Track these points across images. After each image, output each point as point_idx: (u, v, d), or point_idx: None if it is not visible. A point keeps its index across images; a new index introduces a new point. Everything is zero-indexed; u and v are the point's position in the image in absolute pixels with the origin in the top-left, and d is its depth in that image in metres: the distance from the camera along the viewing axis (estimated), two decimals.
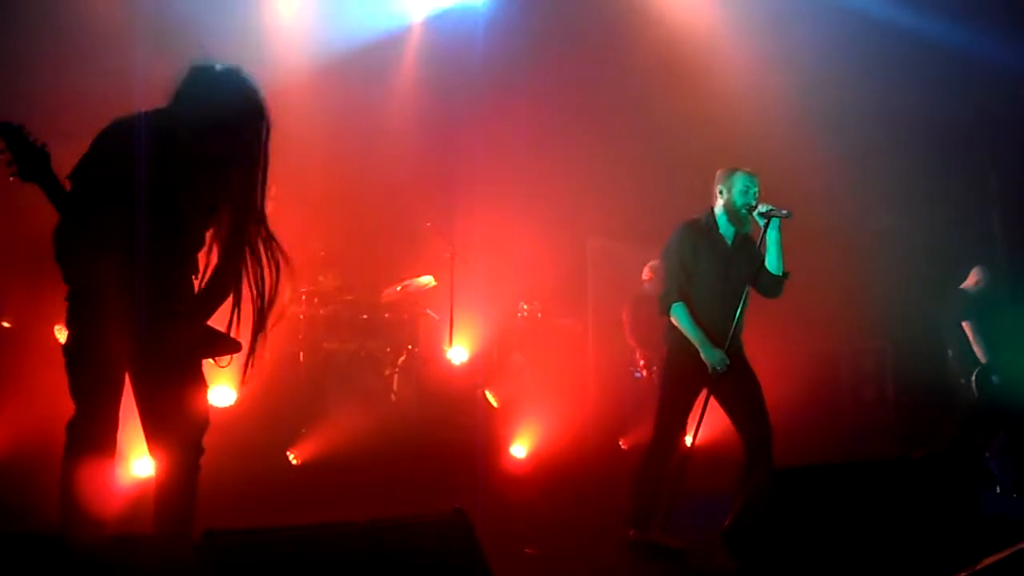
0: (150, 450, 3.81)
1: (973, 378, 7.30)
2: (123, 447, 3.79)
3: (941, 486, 4.09)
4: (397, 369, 8.31)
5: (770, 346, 7.97)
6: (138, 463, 5.58)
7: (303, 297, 8.36)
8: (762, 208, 5.31)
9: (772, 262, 5.39)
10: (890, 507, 3.83)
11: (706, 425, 5.47)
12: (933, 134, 8.97)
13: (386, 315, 8.65)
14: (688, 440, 5.55)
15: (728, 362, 5.26)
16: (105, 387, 3.69)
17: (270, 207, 7.91)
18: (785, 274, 5.42)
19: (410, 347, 8.49)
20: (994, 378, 7.25)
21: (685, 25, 9.81)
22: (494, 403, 8.51)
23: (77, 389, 3.67)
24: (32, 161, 3.40)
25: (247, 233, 3.91)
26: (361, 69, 9.75)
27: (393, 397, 8.18)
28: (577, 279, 10.36)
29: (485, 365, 9.15)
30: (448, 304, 8.90)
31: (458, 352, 9.19)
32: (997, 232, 8.43)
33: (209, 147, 3.77)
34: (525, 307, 9.56)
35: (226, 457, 4.08)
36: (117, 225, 3.58)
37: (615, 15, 9.84)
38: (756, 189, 5.41)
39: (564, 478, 6.99)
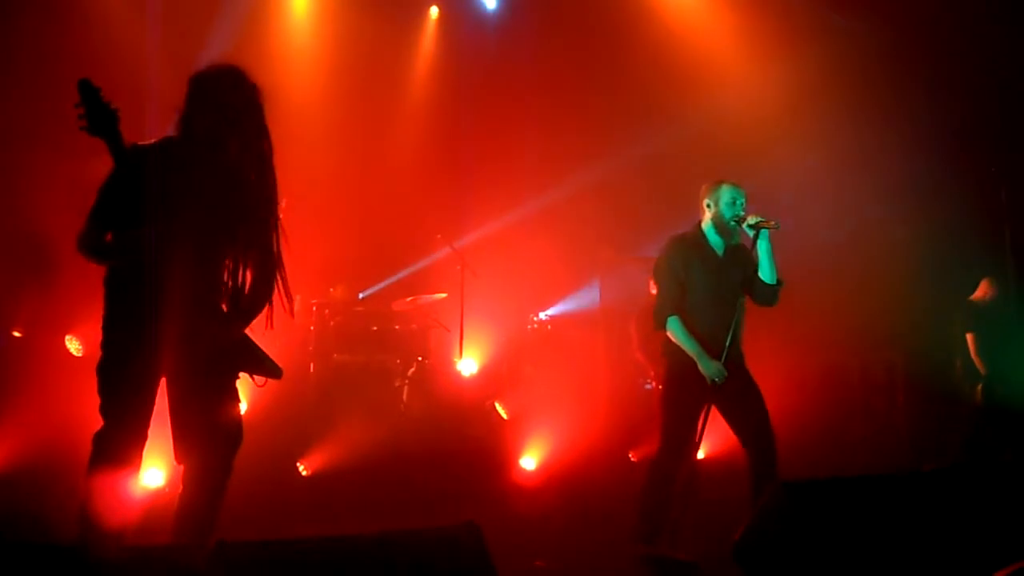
0: (179, 463, 3.83)
1: (978, 388, 7.30)
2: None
3: (953, 500, 4.08)
4: (407, 380, 8.32)
5: (780, 358, 7.98)
6: (150, 474, 5.60)
7: (313, 309, 8.38)
8: (751, 220, 5.28)
9: (765, 272, 5.39)
10: (902, 521, 3.81)
11: (716, 437, 5.45)
12: (945, 146, 8.95)
13: (396, 326, 8.66)
14: (699, 453, 5.53)
15: (726, 373, 5.25)
16: (138, 402, 3.71)
17: (280, 219, 7.93)
18: (779, 282, 5.41)
19: (420, 358, 8.50)
20: (999, 389, 7.23)
21: (697, 35, 9.83)
22: (504, 415, 8.50)
23: (109, 403, 3.69)
24: (103, 118, 3.50)
25: (275, 235, 3.94)
26: (372, 82, 9.79)
27: (403, 408, 8.18)
28: (588, 290, 10.35)
29: (495, 377, 9.16)
30: (458, 315, 8.91)
31: (468, 364, 9.19)
32: (1008, 245, 8.40)
33: (227, 155, 3.80)
34: (535, 319, 9.55)
35: (236, 468, 4.08)
36: (149, 243, 3.62)
37: (628, 23, 9.87)
38: (743, 200, 5.40)
39: (574, 490, 6.97)
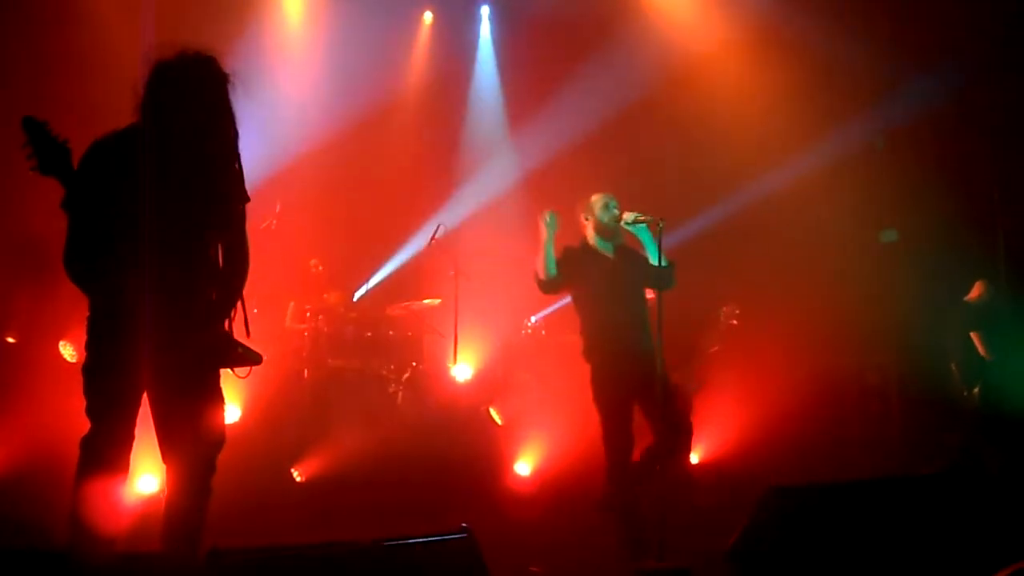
0: (164, 464, 3.81)
1: (976, 390, 7.32)
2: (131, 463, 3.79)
3: (948, 502, 4.08)
4: (401, 386, 8.31)
5: (775, 363, 7.99)
6: (143, 480, 5.59)
7: (308, 314, 8.37)
8: (628, 217, 5.70)
9: (654, 258, 5.71)
10: (897, 524, 3.82)
11: (707, 443, 5.49)
12: (936, 148, 8.98)
13: (390, 332, 8.65)
14: (693, 458, 5.57)
15: None
16: (123, 405, 3.68)
17: (275, 225, 7.97)
18: (670, 264, 5.73)
19: (414, 364, 8.49)
20: (996, 390, 7.25)
21: (692, 38, 9.84)
22: (499, 420, 8.48)
23: (94, 407, 3.66)
24: (53, 156, 3.42)
25: (244, 223, 3.89)
26: (365, 86, 9.78)
27: (397, 414, 8.16)
28: None
29: (489, 382, 9.13)
30: (452, 321, 8.90)
31: (462, 369, 9.18)
32: (1000, 247, 8.42)
33: (197, 144, 3.72)
34: (529, 324, 9.54)
35: (230, 474, 4.05)
36: (125, 242, 3.58)
37: (622, 25, 9.88)
38: (615, 202, 5.85)
39: (568, 495, 6.96)
